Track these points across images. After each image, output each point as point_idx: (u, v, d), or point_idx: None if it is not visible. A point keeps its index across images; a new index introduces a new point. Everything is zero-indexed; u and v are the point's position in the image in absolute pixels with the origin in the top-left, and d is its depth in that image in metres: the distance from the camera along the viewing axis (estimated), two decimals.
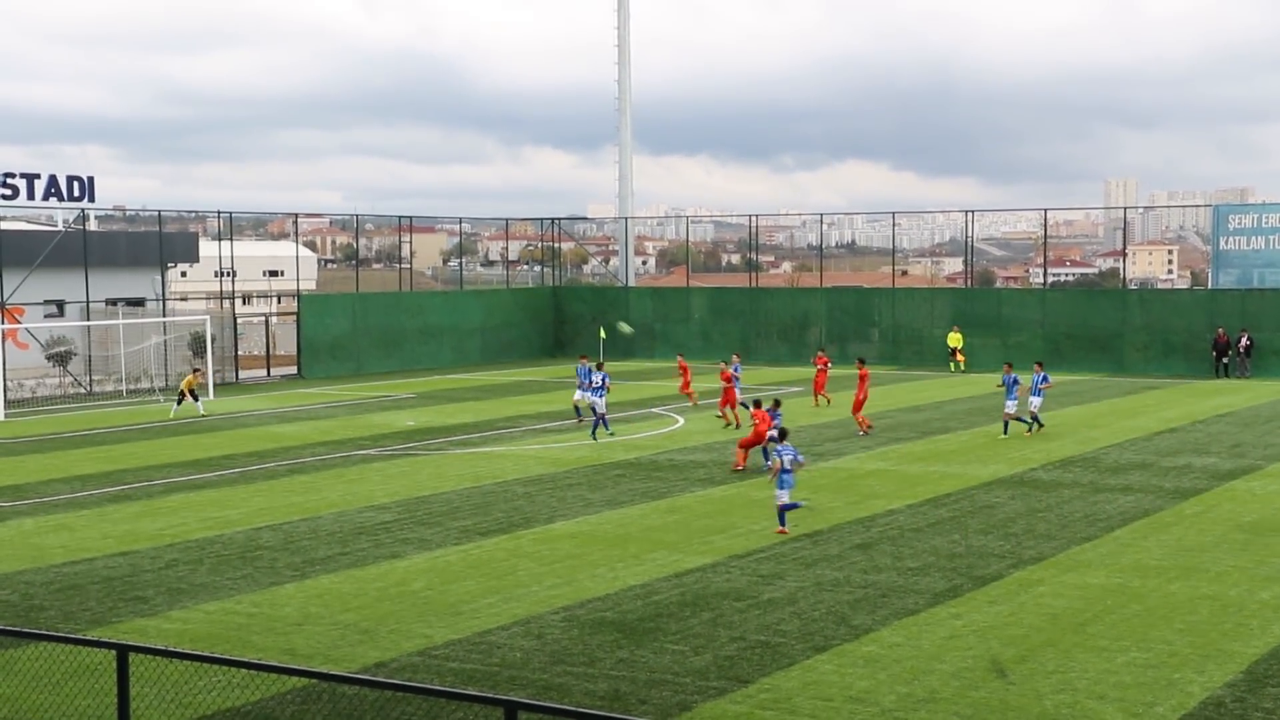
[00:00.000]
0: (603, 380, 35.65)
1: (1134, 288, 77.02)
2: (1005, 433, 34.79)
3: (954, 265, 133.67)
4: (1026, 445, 33.26)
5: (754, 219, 69.27)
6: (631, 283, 68.98)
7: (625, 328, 56.74)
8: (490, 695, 9.07)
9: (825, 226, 67.98)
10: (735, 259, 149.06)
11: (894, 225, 66.36)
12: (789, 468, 22.96)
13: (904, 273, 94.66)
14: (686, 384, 42.53)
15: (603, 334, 59.77)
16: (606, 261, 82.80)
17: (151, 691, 13.13)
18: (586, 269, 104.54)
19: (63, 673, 14.07)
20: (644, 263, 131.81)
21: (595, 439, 34.21)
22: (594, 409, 35.29)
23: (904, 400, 44.01)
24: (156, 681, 13.05)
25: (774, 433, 25.15)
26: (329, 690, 14.22)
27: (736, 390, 37.00)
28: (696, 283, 75.16)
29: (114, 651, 9.49)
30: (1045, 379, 35.89)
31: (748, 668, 15.47)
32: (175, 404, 42.03)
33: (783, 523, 22.97)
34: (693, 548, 21.93)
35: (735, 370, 37.82)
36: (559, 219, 70.29)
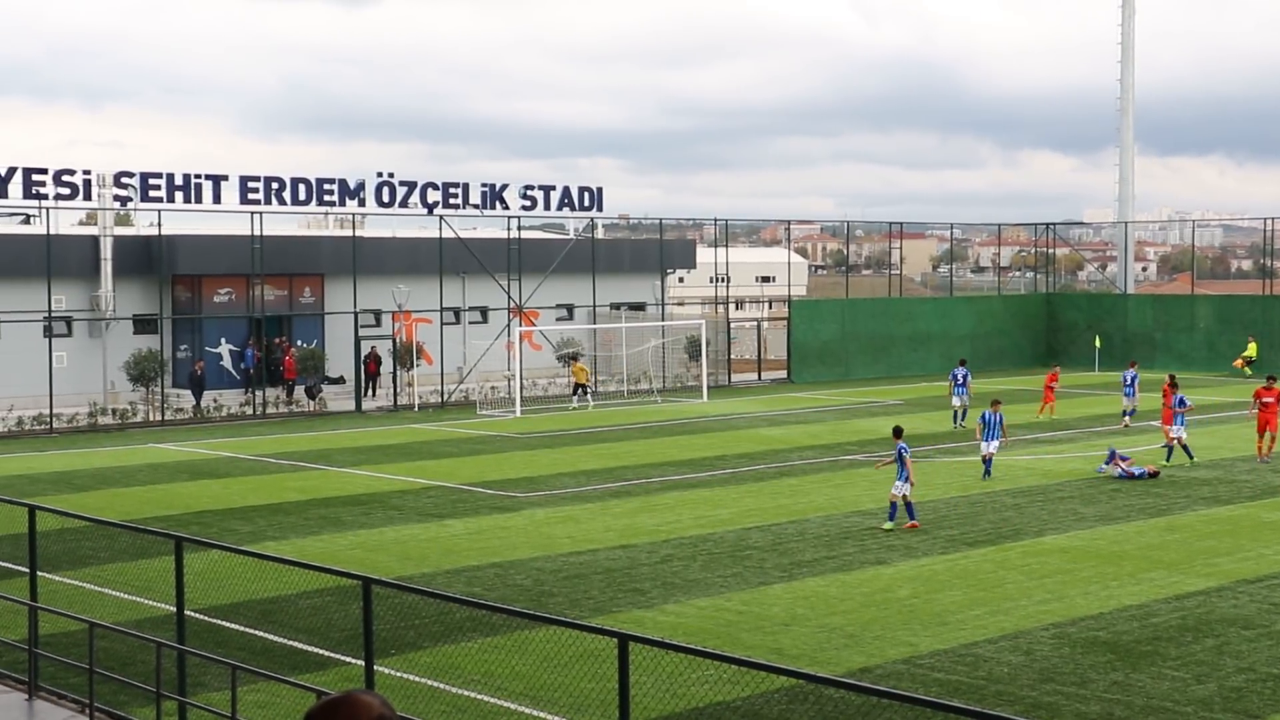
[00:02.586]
0: (962, 378, 39.16)
1: None
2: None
3: None
4: None
5: (1269, 222, 64.75)
6: (1130, 290, 66.02)
7: (1097, 341, 58.60)
8: (977, 709, 8.93)
9: None
10: (1246, 265, 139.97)
11: None
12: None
13: None
14: (1049, 398, 41.41)
15: (1098, 342, 57.65)
16: (1103, 268, 79.62)
17: (649, 680, 13.75)
18: (1081, 275, 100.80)
19: (569, 656, 14.99)
20: (1144, 269, 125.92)
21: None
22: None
23: None
24: (653, 671, 13.65)
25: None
26: (814, 691, 14.45)
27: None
28: (1201, 290, 71.03)
29: (615, 640, 9.96)
30: None
31: (1258, 701, 14.52)
32: (575, 397, 44.42)
33: (912, 516, 24.03)
34: (1194, 569, 20.80)
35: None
36: (1053, 224, 68.29)
